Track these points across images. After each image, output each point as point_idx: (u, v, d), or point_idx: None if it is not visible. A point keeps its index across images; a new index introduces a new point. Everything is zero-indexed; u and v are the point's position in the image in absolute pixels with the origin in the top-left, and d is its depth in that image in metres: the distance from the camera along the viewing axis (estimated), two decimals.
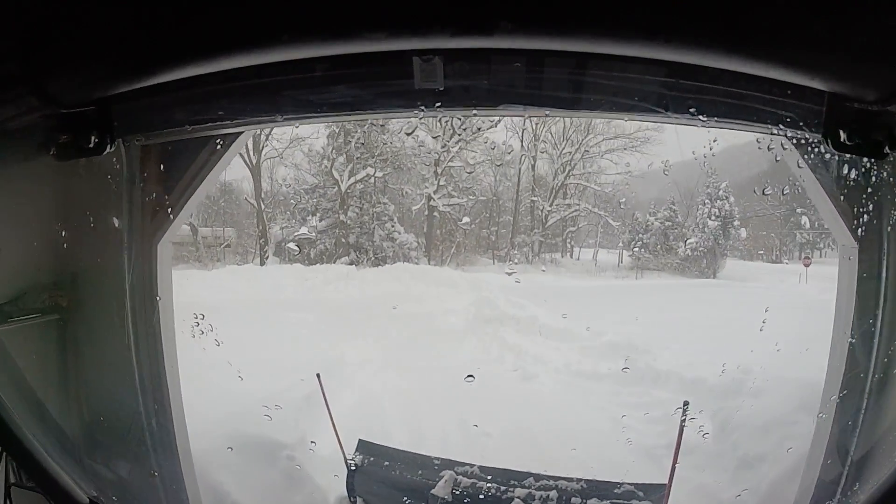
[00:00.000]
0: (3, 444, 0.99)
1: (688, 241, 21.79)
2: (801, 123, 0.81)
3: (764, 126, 0.88)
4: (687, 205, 23.86)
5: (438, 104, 0.89)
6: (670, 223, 23.01)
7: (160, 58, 0.59)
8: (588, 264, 23.82)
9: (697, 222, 22.21)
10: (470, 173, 23.60)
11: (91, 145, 0.71)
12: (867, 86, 0.59)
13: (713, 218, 21.54)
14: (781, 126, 0.84)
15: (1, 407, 0.98)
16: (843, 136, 0.67)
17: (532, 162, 24.53)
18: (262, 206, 21.69)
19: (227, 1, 0.54)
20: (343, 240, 20.54)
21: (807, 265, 18.11)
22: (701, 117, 0.89)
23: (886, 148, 0.66)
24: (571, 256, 25.40)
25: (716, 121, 0.91)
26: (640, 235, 23.13)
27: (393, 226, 20.96)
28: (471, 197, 23.72)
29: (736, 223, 22.04)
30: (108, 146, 0.72)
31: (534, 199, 24.46)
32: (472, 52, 0.76)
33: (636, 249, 22.89)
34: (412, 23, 0.53)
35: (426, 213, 22.94)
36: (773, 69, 0.58)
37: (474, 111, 0.92)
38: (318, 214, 20.79)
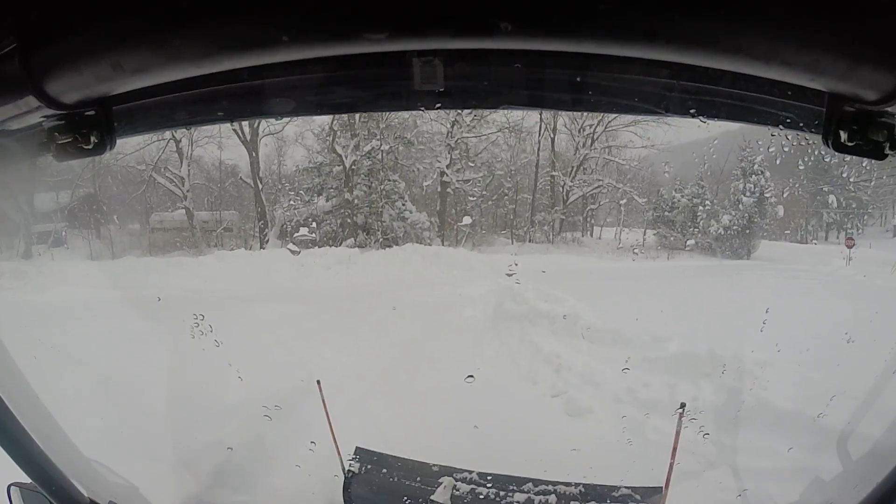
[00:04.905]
0: (3, 444, 0.99)
1: (720, 219, 20.31)
2: (801, 124, 0.81)
3: (764, 127, 0.89)
4: (716, 180, 22.44)
5: (438, 105, 0.90)
6: (698, 200, 21.50)
7: (161, 58, 0.59)
8: (611, 243, 22.06)
9: (731, 198, 20.62)
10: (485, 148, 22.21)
11: (91, 146, 0.71)
12: (867, 86, 0.59)
13: (747, 194, 19.91)
14: (781, 127, 0.84)
15: (1, 406, 0.98)
16: (843, 136, 0.67)
17: (551, 135, 23.12)
18: (261, 186, 20.72)
19: (227, 2, 0.54)
20: (349, 220, 19.50)
21: (850, 246, 17.14)
22: (701, 118, 0.90)
23: (887, 149, 0.66)
24: (592, 235, 23.81)
25: (716, 121, 0.91)
26: (666, 213, 21.66)
27: (404, 204, 19.82)
28: (486, 173, 22.46)
29: (773, 200, 20.31)
30: (108, 147, 0.72)
31: (553, 174, 23.06)
32: (472, 53, 0.76)
33: (661, 228, 21.32)
34: (413, 24, 0.54)
35: (439, 189, 21.75)
36: (773, 70, 0.58)
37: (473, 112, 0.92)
38: (324, 194, 19.72)
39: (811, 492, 1.48)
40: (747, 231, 20.27)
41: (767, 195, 20.22)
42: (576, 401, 5.44)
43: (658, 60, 0.62)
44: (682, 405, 3.06)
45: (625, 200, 22.65)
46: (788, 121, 0.83)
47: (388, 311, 8.42)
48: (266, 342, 6.41)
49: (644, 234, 22.39)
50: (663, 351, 6.19)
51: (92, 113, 0.70)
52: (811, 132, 0.79)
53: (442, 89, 0.84)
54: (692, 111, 0.88)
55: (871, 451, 1.20)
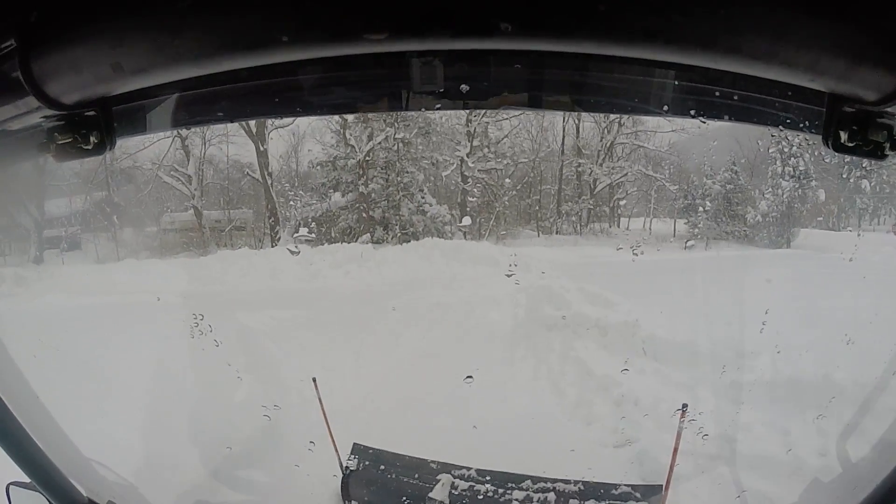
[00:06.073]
0: (2, 444, 0.99)
1: (758, 205, 19.12)
2: (801, 125, 0.81)
3: (764, 127, 0.89)
4: (750, 165, 21.00)
5: (438, 106, 0.90)
6: (732, 186, 20.39)
7: (160, 58, 0.59)
8: (640, 234, 20.66)
9: (768, 183, 19.26)
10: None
11: (91, 146, 0.71)
12: (867, 87, 0.59)
13: (787, 178, 18.67)
14: (781, 127, 0.84)
15: (1, 406, 0.98)
16: (843, 137, 0.67)
17: (576, 121, 21.94)
18: (270, 181, 20.18)
19: (227, 2, 0.54)
20: (364, 215, 18.95)
21: None
22: (701, 118, 0.90)
23: (887, 149, 0.67)
24: (619, 226, 22.79)
25: (716, 121, 0.92)
26: (697, 201, 20.40)
27: (423, 197, 19.03)
28: (508, 161, 21.82)
29: (813, 184, 18.93)
30: (108, 147, 0.72)
31: (580, 161, 22.15)
32: (472, 54, 0.76)
33: (693, 217, 20.24)
34: (412, 25, 0.54)
35: (459, 180, 20.92)
36: (773, 70, 0.58)
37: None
38: (339, 189, 19.19)
39: (811, 492, 1.48)
40: (787, 218, 19.00)
41: (808, 179, 18.83)
42: (651, 457, 3.70)
43: (658, 60, 0.62)
44: (684, 406, 3.06)
45: (655, 188, 21.52)
46: (788, 121, 0.83)
47: (399, 316, 7.39)
48: (254, 360, 5.42)
49: (674, 224, 21.30)
50: (754, 371, 4.66)
51: (92, 113, 0.70)
52: (811, 132, 0.79)
53: (442, 90, 0.84)
54: (692, 111, 0.88)
55: (871, 452, 1.20)
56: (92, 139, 0.71)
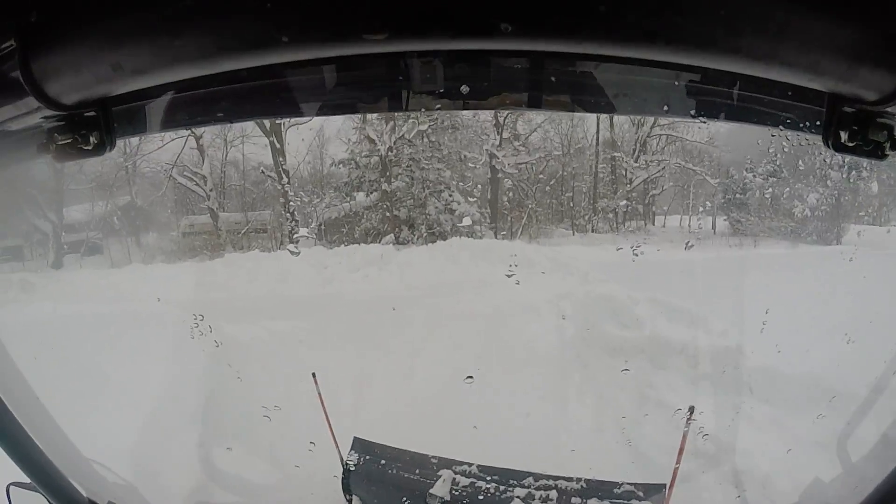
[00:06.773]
0: (2, 444, 0.99)
1: (807, 199, 17.59)
2: (801, 125, 0.81)
3: (764, 127, 0.89)
4: (791, 156, 18.52)
5: (438, 106, 0.90)
6: (775, 179, 19.09)
7: (160, 59, 0.59)
8: (677, 232, 19.40)
9: (817, 175, 17.50)
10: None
11: (91, 147, 0.71)
12: (867, 87, 0.59)
13: (836, 168, 16.93)
14: (781, 127, 0.84)
15: (1, 407, 0.98)
16: (843, 137, 0.67)
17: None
18: (286, 179, 19.23)
19: (227, 3, 0.54)
20: (387, 214, 18.14)
21: None
22: (701, 118, 0.90)
23: (887, 149, 0.67)
24: (654, 223, 21.81)
25: (716, 121, 0.92)
26: (738, 195, 19.36)
27: (451, 195, 18.23)
28: (540, 155, 21.04)
29: (864, 174, 17.01)
30: (108, 147, 0.72)
31: (615, 154, 21.23)
32: (472, 54, 0.76)
33: (735, 213, 19.22)
34: (412, 25, 0.54)
35: (489, 176, 20.13)
36: (773, 70, 0.58)
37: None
38: (363, 188, 18.66)
39: (811, 492, 1.48)
40: (837, 212, 17.50)
41: (859, 169, 16.90)
42: None
43: (658, 60, 0.62)
44: (691, 409, 3.05)
45: (693, 182, 20.35)
46: (788, 121, 0.83)
47: (419, 329, 6.33)
48: (240, 388, 4.61)
49: (714, 220, 20.01)
50: None
51: (92, 114, 0.70)
52: (811, 133, 0.79)
53: (442, 90, 0.84)
54: (692, 111, 0.88)
55: (871, 452, 1.20)
56: (92, 139, 0.71)
